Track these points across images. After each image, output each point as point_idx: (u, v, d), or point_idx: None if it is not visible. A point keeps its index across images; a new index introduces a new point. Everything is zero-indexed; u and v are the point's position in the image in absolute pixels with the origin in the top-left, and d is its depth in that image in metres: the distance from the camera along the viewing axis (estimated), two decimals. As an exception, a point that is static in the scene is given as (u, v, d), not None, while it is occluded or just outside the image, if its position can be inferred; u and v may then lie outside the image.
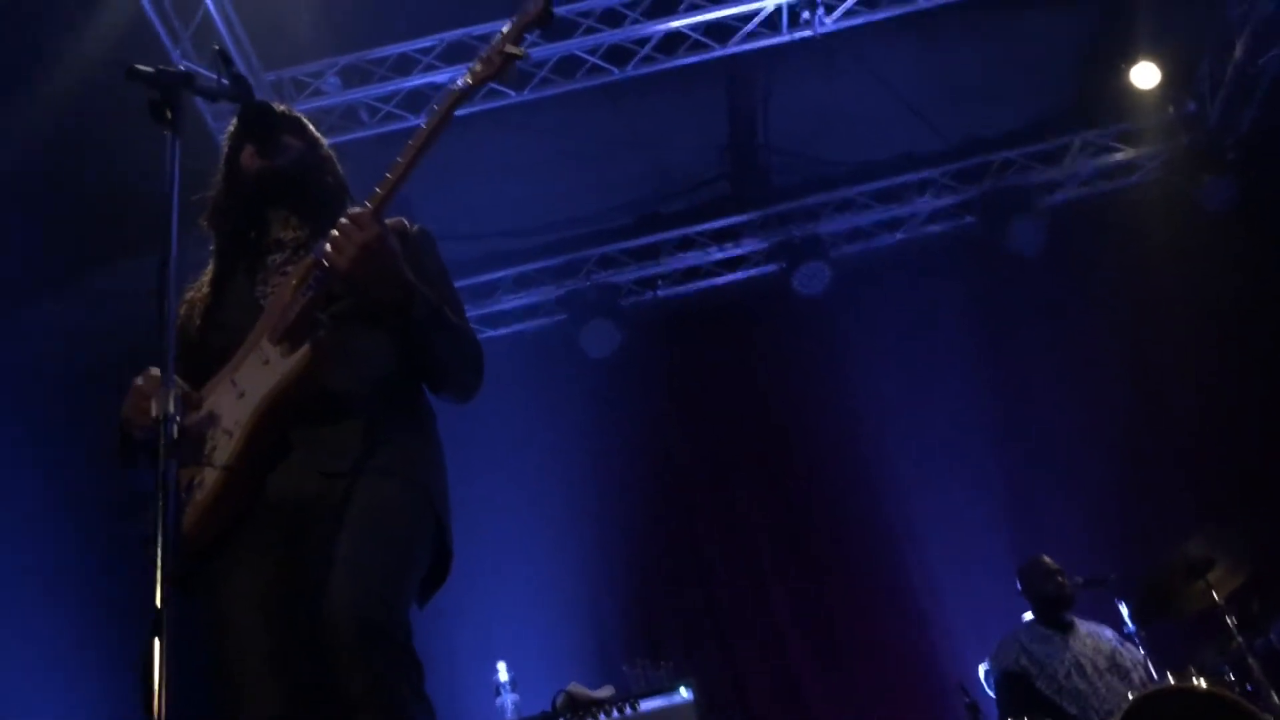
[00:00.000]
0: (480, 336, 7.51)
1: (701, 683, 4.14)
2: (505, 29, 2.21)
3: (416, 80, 5.93)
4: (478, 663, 4.87)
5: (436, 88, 5.96)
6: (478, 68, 2.24)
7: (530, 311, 7.34)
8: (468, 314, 7.82)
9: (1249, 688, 4.00)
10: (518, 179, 6.79)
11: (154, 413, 1.69)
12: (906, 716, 5.94)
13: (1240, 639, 4.06)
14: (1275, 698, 3.97)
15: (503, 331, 7.30)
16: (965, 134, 7.35)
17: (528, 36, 2.26)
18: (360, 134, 6.04)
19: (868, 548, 6.51)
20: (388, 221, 2.36)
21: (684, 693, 3.94)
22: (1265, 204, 7.00)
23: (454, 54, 5.89)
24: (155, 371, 2.15)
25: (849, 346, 6.90)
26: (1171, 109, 7.22)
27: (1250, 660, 4.00)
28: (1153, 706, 3.77)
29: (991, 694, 4.97)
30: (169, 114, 1.89)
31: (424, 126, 2.24)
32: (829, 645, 6.38)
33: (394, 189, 2.24)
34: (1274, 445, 6.54)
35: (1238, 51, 6.72)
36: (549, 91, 6.02)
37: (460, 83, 2.24)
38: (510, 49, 2.19)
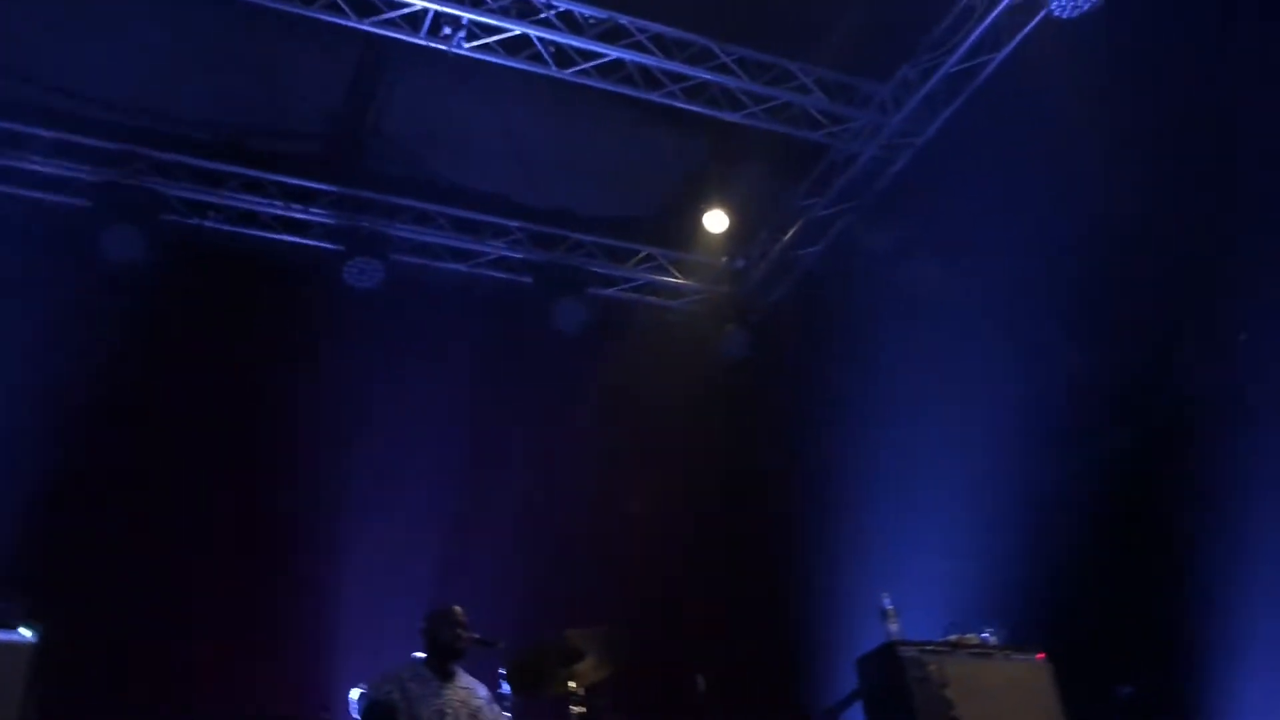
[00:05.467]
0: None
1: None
2: None
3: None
4: None
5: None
6: None
7: (57, 184, 6.59)
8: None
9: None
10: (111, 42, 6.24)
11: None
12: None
13: (582, 725, 4.50)
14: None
15: (21, 192, 6.52)
16: (558, 204, 7.74)
17: None
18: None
19: (289, 566, 6.43)
20: None
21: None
22: (767, 367, 7.98)
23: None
24: None
25: (362, 348, 6.90)
26: (725, 259, 8.08)
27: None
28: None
29: (356, 717, 5.07)
30: None
31: None
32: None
33: None
34: (696, 570, 7.34)
35: (788, 235, 7.72)
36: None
37: None
38: None
